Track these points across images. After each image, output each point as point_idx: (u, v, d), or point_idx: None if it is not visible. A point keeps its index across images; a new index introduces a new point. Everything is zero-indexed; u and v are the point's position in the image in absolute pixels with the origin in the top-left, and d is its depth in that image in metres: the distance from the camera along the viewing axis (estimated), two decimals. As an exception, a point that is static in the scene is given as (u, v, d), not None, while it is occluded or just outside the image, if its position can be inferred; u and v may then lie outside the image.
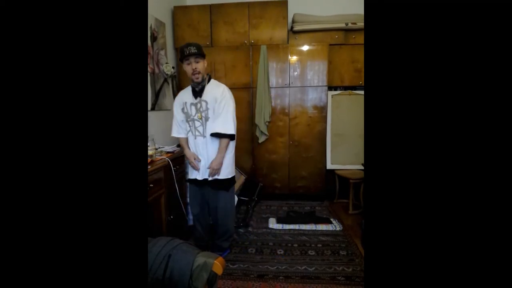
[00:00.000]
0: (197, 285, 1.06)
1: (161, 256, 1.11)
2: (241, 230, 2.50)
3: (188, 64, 1.77)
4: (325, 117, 3.11)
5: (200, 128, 1.86)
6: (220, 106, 1.81)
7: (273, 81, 3.08)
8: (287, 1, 3.00)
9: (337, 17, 3.08)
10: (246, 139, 3.15)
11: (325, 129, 3.13)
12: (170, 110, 3.01)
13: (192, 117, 1.86)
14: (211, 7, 3.07)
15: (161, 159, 1.91)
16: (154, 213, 1.82)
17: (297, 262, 1.98)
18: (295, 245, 2.22)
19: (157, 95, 2.69)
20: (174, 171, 2.01)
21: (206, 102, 1.83)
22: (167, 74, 2.86)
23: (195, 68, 1.76)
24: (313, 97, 3.08)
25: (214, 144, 1.86)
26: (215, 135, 1.82)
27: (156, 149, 2.02)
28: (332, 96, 3.19)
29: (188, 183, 2.05)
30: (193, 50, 1.72)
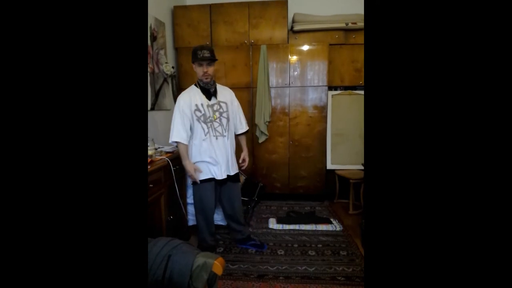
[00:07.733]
0: (197, 286, 1.06)
1: (161, 257, 1.11)
2: (241, 230, 2.50)
3: (200, 66, 1.86)
4: (325, 117, 3.11)
5: (219, 128, 1.95)
6: (236, 106, 2.08)
7: (273, 81, 3.08)
8: (287, 1, 2.99)
9: (337, 17, 3.08)
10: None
11: (325, 129, 3.12)
12: (170, 110, 3.01)
13: (210, 118, 1.93)
14: (211, 6, 3.06)
15: (160, 159, 1.91)
16: (154, 213, 1.81)
17: (297, 262, 1.98)
18: (295, 245, 2.22)
19: (157, 95, 2.69)
20: (174, 171, 2.01)
21: (226, 104, 1.98)
22: (167, 74, 2.86)
23: (207, 71, 1.87)
24: (313, 97, 3.08)
25: (233, 143, 2.06)
26: (244, 133, 2.12)
27: (156, 149, 2.02)
28: (332, 96, 3.19)
29: (193, 185, 2.02)
30: (206, 54, 1.84)
